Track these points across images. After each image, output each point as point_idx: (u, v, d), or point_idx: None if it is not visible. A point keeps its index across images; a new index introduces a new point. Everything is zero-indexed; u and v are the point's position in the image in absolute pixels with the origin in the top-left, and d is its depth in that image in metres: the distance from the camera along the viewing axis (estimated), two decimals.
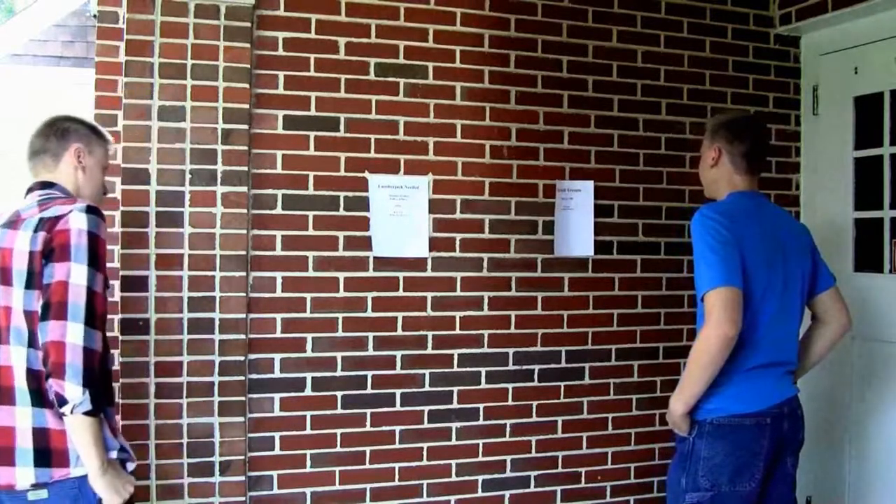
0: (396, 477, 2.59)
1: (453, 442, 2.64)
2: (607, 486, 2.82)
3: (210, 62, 2.36)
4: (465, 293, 2.65)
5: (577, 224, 2.76)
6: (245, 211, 2.41)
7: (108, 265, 1.79)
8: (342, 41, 2.53)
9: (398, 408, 2.58)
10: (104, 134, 1.97)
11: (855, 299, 2.53)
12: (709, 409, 2.01)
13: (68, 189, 1.85)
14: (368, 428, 2.56)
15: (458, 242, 2.65)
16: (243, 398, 2.40)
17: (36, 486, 1.68)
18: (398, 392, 2.59)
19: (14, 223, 1.74)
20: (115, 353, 2.21)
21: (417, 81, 2.60)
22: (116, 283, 2.28)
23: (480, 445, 2.67)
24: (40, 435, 1.68)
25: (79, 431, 1.65)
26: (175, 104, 2.34)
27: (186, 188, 2.35)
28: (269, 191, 2.47)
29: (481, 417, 2.67)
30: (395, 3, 2.57)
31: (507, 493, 2.71)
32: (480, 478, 2.68)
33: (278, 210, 2.48)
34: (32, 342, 1.68)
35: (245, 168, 2.41)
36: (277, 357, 2.47)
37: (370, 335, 2.56)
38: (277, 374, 2.47)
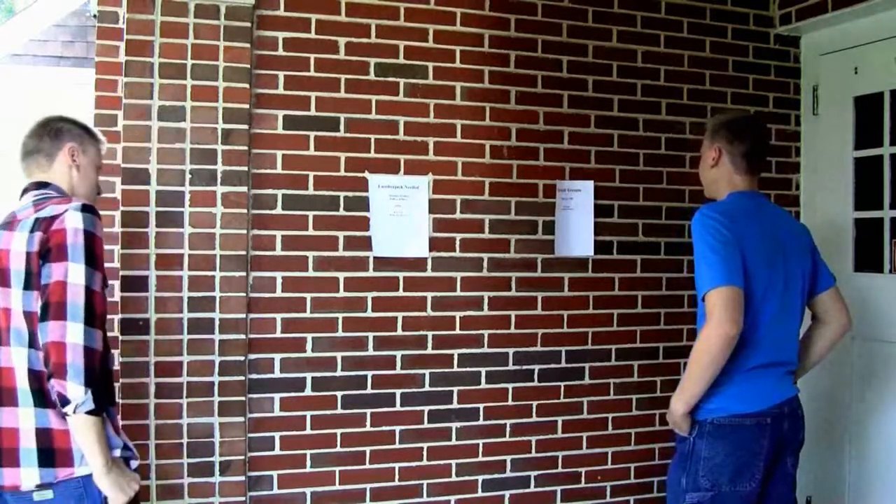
0: (396, 477, 2.59)
1: (453, 442, 2.64)
2: (607, 486, 2.82)
3: (210, 62, 2.36)
4: (465, 293, 2.65)
5: (577, 224, 2.76)
6: (245, 211, 2.41)
7: (108, 265, 1.80)
8: (342, 41, 2.53)
9: (398, 408, 2.58)
10: (97, 134, 1.98)
11: (855, 299, 2.53)
12: (709, 409, 2.01)
13: (63, 188, 1.85)
14: (368, 428, 2.56)
15: (458, 242, 2.65)
16: (243, 398, 2.40)
17: (41, 487, 1.68)
18: (398, 392, 2.59)
19: (10, 224, 1.74)
20: (115, 353, 2.20)
21: (417, 81, 2.60)
22: (116, 283, 2.28)
23: (480, 445, 2.67)
24: (43, 435, 1.68)
25: (82, 431, 1.65)
26: (175, 104, 2.34)
27: (186, 188, 2.35)
28: (269, 191, 2.47)
29: (481, 417, 2.67)
30: (395, 3, 2.57)
31: (507, 493, 2.71)
32: (480, 478, 2.68)
33: (278, 210, 2.48)
34: (33, 343, 1.68)
35: (245, 168, 2.41)
36: (277, 357, 2.47)
37: (370, 335, 2.56)
38: (277, 374, 2.47)
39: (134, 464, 1.80)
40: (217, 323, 2.37)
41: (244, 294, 2.41)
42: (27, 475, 1.67)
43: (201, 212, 2.36)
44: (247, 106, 2.41)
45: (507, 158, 2.70)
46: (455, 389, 2.64)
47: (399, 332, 2.58)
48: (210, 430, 2.36)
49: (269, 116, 2.47)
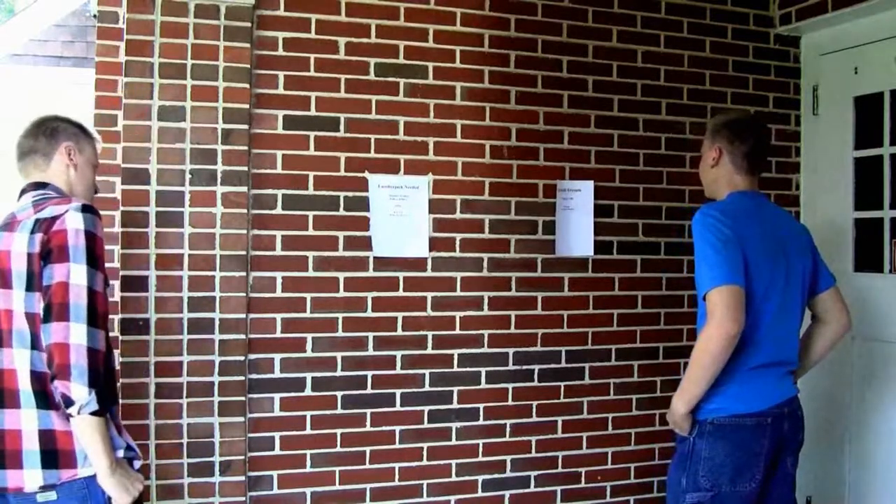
0: (396, 477, 2.59)
1: (453, 442, 2.64)
2: (607, 486, 2.82)
3: (210, 62, 2.36)
4: (465, 293, 2.65)
5: (577, 224, 2.76)
6: (245, 211, 2.41)
7: (108, 265, 1.79)
8: (342, 41, 2.53)
9: (398, 408, 2.58)
10: (91, 132, 1.97)
11: (855, 299, 2.54)
12: (710, 409, 2.00)
13: (61, 188, 1.85)
14: (368, 428, 2.56)
15: (458, 242, 2.65)
16: (243, 398, 2.40)
17: (44, 488, 1.67)
18: (398, 392, 2.59)
19: (10, 225, 1.73)
20: (116, 352, 2.20)
21: (417, 81, 2.60)
22: (116, 283, 2.27)
23: (480, 445, 2.67)
24: (46, 437, 1.68)
25: (87, 432, 1.64)
26: (175, 104, 2.34)
27: (186, 188, 2.35)
28: (269, 191, 2.47)
29: (481, 417, 2.67)
30: (395, 3, 2.57)
31: (507, 493, 2.71)
32: (480, 478, 2.68)
33: (278, 210, 2.48)
34: (35, 344, 1.67)
35: (245, 168, 2.41)
36: (277, 357, 2.47)
37: (370, 335, 2.56)
38: (277, 374, 2.47)
39: (137, 464, 1.80)
40: (217, 323, 2.37)
41: (244, 294, 2.41)
42: (31, 477, 1.67)
43: (201, 212, 2.36)
44: (247, 106, 2.41)
45: (507, 158, 2.70)
46: (455, 389, 2.64)
47: (399, 332, 2.58)
48: (210, 430, 2.36)
49: (269, 116, 2.47)
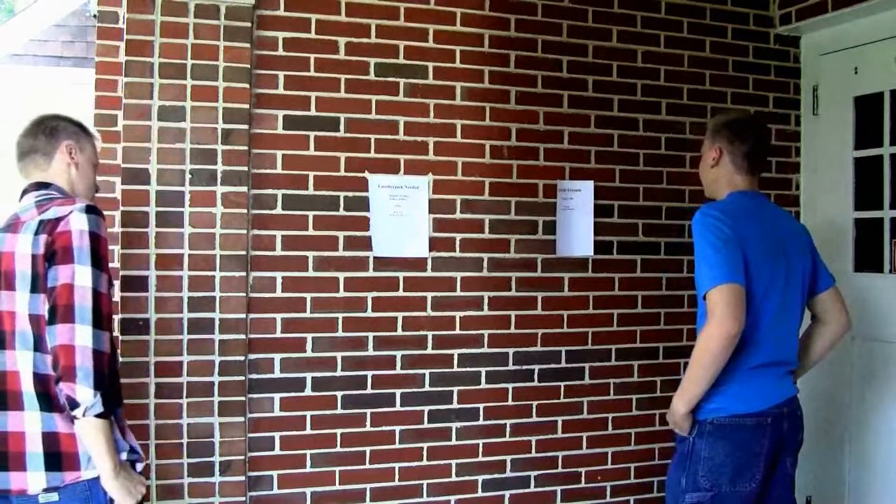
0: (396, 477, 2.59)
1: (453, 442, 2.64)
2: (607, 486, 2.82)
3: (210, 62, 2.36)
4: (465, 293, 2.65)
5: (577, 224, 2.76)
6: (245, 211, 2.41)
7: (109, 265, 1.79)
8: (342, 41, 2.53)
9: (398, 408, 2.58)
10: (91, 130, 1.97)
11: (855, 299, 2.54)
12: (710, 409, 2.00)
13: (64, 188, 1.84)
14: (368, 428, 2.56)
15: (458, 242, 2.65)
16: (243, 398, 2.40)
17: (47, 490, 1.67)
18: (398, 392, 2.59)
19: (13, 226, 1.73)
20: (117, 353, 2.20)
21: (417, 81, 2.60)
22: (116, 283, 2.27)
23: (480, 445, 2.67)
24: (50, 439, 1.67)
25: (91, 434, 1.64)
26: (175, 104, 2.34)
27: (186, 188, 2.35)
28: (269, 191, 2.47)
29: (481, 417, 2.67)
30: (395, 3, 2.57)
31: (507, 493, 2.71)
32: (480, 478, 2.68)
33: (278, 210, 2.48)
34: (38, 346, 1.67)
35: (245, 168, 2.41)
36: (277, 357, 2.47)
37: (370, 335, 2.56)
38: (277, 374, 2.47)
39: (139, 466, 1.79)
40: (217, 323, 2.37)
41: (244, 294, 2.41)
42: (34, 479, 1.67)
43: (201, 212, 2.36)
44: (247, 106, 2.41)
45: (507, 158, 2.70)
46: (455, 389, 2.64)
47: (399, 332, 2.58)
48: (210, 430, 2.36)
49: (269, 116, 2.47)
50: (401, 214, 2.58)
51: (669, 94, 2.89)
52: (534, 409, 2.73)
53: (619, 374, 2.83)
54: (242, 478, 2.40)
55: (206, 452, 2.36)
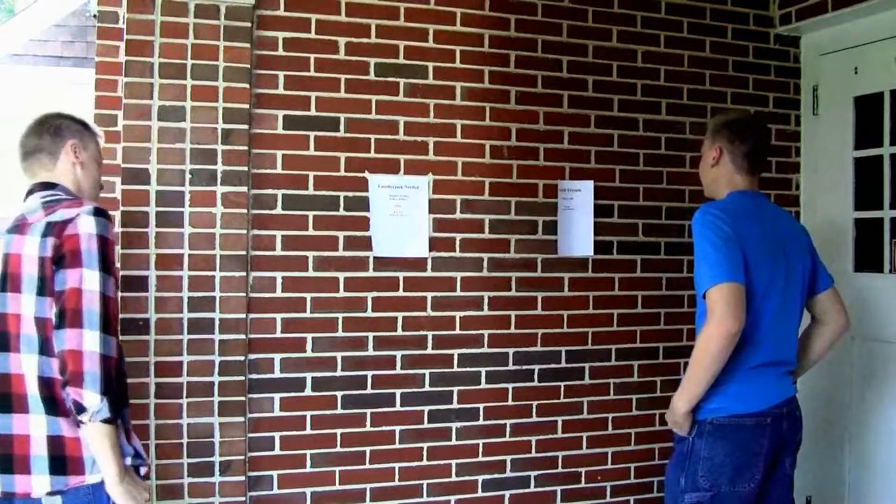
0: (396, 477, 2.59)
1: (453, 442, 2.64)
2: (607, 486, 2.82)
3: (210, 62, 2.36)
4: (465, 293, 2.65)
5: (577, 224, 2.76)
6: (245, 211, 2.41)
7: (117, 268, 1.78)
8: (342, 41, 2.53)
9: (398, 408, 2.58)
10: (94, 128, 1.96)
11: (855, 299, 2.54)
12: (710, 409, 2.00)
13: (69, 188, 1.83)
14: (368, 428, 2.56)
15: (458, 242, 2.65)
16: (243, 398, 2.40)
17: (51, 494, 1.67)
18: (398, 392, 2.59)
19: (20, 227, 1.71)
20: None
21: (417, 81, 2.60)
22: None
23: (480, 445, 2.67)
24: (55, 443, 1.67)
25: (97, 439, 1.64)
26: (175, 104, 2.34)
27: (186, 188, 2.35)
28: (269, 191, 2.47)
29: (481, 417, 2.67)
30: (395, 3, 2.57)
31: (507, 493, 2.71)
32: (480, 478, 2.68)
33: (278, 210, 2.48)
34: (43, 349, 1.66)
35: (245, 168, 2.41)
36: (277, 357, 2.47)
37: (370, 335, 2.56)
38: (277, 374, 2.47)
39: (143, 470, 1.79)
40: (217, 323, 2.37)
41: (244, 294, 2.41)
42: (38, 482, 1.66)
43: (201, 212, 2.36)
44: (247, 106, 2.41)
45: (507, 158, 2.70)
46: (455, 389, 2.64)
47: (399, 332, 2.58)
48: (210, 430, 2.36)
49: (269, 116, 2.47)
50: (401, 214, 2.58)
51: (669, 94, 2.89)
52: (534, 409, 2.73)
53: (619, 374, 2.83)
54: (242, 478, 2.40)
55: (206, 452, 2.36)
